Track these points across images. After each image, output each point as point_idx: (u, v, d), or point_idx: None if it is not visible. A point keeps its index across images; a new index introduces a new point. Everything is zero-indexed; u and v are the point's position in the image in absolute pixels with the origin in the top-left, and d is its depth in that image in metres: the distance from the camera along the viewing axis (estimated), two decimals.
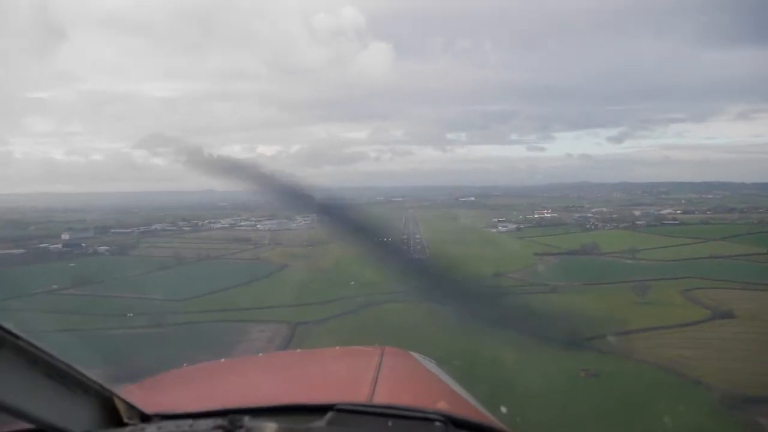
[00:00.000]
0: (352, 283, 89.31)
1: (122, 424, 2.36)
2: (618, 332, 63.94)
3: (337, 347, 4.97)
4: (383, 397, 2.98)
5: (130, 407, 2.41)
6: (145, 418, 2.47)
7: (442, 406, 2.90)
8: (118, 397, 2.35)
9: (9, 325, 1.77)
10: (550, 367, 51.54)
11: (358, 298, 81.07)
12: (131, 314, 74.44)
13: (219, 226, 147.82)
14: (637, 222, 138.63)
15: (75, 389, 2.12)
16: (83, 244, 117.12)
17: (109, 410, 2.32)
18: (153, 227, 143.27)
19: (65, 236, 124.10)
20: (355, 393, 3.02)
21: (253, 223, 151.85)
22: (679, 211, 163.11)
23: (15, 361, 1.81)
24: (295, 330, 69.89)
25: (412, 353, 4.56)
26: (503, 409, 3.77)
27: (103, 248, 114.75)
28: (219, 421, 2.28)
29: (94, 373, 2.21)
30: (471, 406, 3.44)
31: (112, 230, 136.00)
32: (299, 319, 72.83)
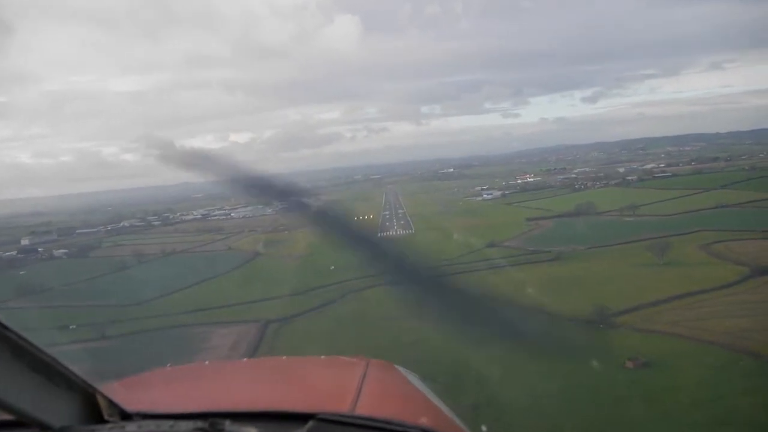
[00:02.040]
0: (332, 267, 75.40)
1: (103, 421, 2.24)
2: (649, 303, 50.53)
3: (323, 356, 4.45)
4: (365, 409, 2.80)
5: (112, 404, 2.29)
6: (126, 416, 2.33)
7: (424, 421, 2.72)
8: (101, 394, 2.24)
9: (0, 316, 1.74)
10: (587, 359, 37.81)
11: (336, 286, 67.01)
12: (74, 326, 59.60)
13: (191, 217, 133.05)
14: (628, 177, 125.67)
15: (59, 383, 2.04)
16: (39, 249, 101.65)
17: (91, 406, 2.21)
18: (121, 224, 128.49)
19: (25, 241, 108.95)
20: (338, 403, 2.86)
21: (226, 212, 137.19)
22: (662, 165, 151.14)
23: (2, 351, 1.77)
24: (266, 330, 55.65)
25: (397, 366, 4.09)
26: (484, 428, 3.64)
27: (60, 251, 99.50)
28: (199, 424, 2.16)
29: (79, 369, 2.10)
30: (452, 423, 3.26)
31: (77, 231, 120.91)
32: (270, 316, 58.54)
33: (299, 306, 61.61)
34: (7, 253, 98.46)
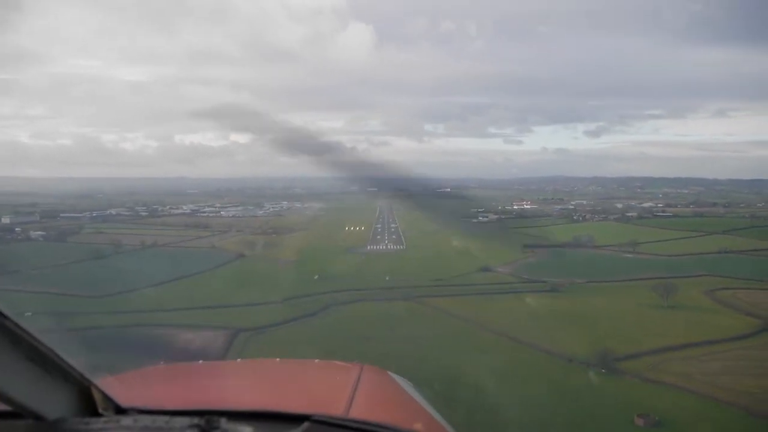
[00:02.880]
0: (316, 277, 69.78)
1: (97, 414, 2.19)
2: (657, 350, 45.02)
3: (317, 360, 4.58)
4: (359, 412, 2.75)
5: (107, 398, 2.23)
6: (121, 410, 2.27)
7: (417, 428, 2.76)
8: (96, 388, 2.18)
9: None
10: (592, 410, 32.32)
11: (319, 297, 61.26)
12: (29, 314, 53.36)
13: (179, 212, 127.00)
14: (628, 214, 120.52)
15: (55, 375, 1.98)
16: (17, 229, 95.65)
17: (86, 399, 2.16)
18: (108, 212, 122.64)
19: (5, 220, 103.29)
20: (332, 406, 2.78)
21: (217, 209, 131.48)
22: (660, 205, 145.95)
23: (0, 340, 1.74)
24: (234, 340, 49.81)
25: (390, 373, 4.01)
26: None
27: (37, 233, 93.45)
28: (195, 420, 2.11)
29: (77, 361, 2.05)
30: (444, 430, 3.19)
31: (62, 214, 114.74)
32: (243, 324, 52.80)
33: (276, 315, 55.93)
34: None
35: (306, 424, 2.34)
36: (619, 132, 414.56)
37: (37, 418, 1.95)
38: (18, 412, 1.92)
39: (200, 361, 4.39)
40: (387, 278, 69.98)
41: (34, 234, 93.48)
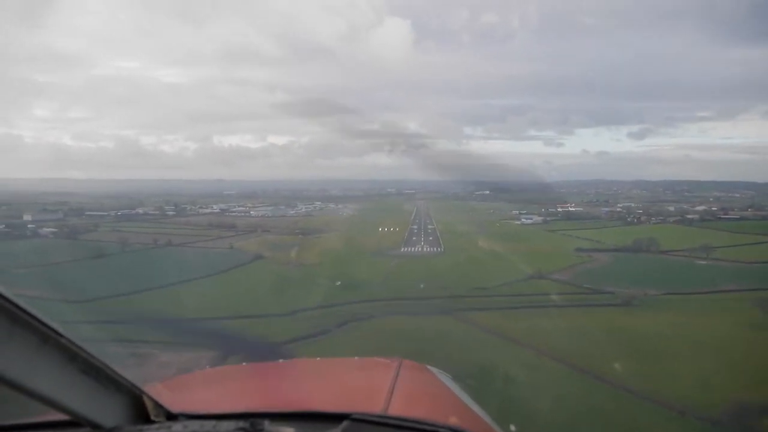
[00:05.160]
0: (338, 283, 56.01)
1: (150, 421, 2.27)
2: None
3: (356, 357, 4.30)
4: (398, 409, 2.70)
5: (158, 405, 2.30)
6: (171, 416, 2.33)
7: (453, 421, 2.63)
8: (147, 396, 2.25)
9: (55, 324, 1.72)
10: None
11: (338, 308, 47.39)
12: None
13: (208, 211, 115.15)
14: (688, 216, 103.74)
15: (108, 386, 2.07)
16: (30, 226, 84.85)
17: (138, 407, 2.24)
18: (135, 211, 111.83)
19: (27, 217, 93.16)
20: (371, 404, 2.75)
21: (247, 209, 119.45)
22: (714, 208, 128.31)
23: (57, 357, 1.79)
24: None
25: (428, 367, 3.91)
26: (513, 428, 3.29)
27: (48, 230, 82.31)
28: (241, 424, 2.16)
29: (127, 372, 2.12)
30: (482, 422, 3.14)
31: (86, 213, 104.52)
32: (236, 345, 39.15)
33: (282, 332, 42.39)
34: None
35: (345, 423, 2.29)
36: (663, 134, 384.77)
37: (95, 426, 2.00)
38: (77, 422, 1.96)
39: (243, 364, 4.05)
40: (421, 286, 55.90)
41: (45, 231, 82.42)
